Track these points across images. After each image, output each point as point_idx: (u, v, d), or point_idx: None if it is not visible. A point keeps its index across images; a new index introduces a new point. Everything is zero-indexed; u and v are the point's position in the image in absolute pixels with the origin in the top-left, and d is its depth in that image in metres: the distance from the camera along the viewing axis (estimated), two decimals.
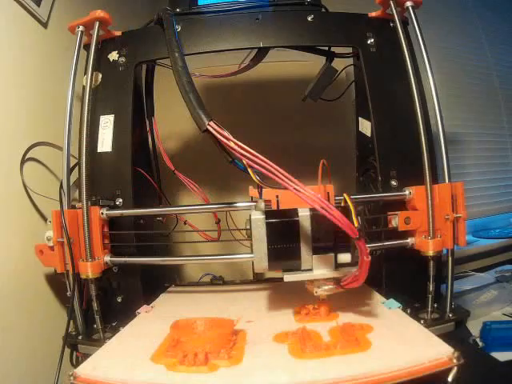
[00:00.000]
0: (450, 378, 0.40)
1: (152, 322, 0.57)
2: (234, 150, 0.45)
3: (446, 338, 0.45)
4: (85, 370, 0.43)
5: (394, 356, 0.41)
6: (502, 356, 0.67)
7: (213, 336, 0.45)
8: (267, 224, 0.47)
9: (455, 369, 0.40)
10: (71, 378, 0.42)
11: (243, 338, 0.48)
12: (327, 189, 0.51)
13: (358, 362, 0.41)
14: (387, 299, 0.58)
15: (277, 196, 0.50)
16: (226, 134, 0.46)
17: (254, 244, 0.48)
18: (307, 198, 0.41)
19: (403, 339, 0.45)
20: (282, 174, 0.42)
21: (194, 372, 0.41)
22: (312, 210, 0.47)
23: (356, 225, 0.42)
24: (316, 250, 0.47)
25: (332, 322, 0.52)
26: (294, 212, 0.48)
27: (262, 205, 0.49)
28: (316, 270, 0.48)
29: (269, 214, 0.48)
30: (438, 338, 0.44)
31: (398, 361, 0.40)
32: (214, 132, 0.47)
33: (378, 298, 0.61)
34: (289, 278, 0.49)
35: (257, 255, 0.48)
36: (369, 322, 0.50)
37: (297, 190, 0.41)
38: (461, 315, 0.58)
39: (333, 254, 0.48)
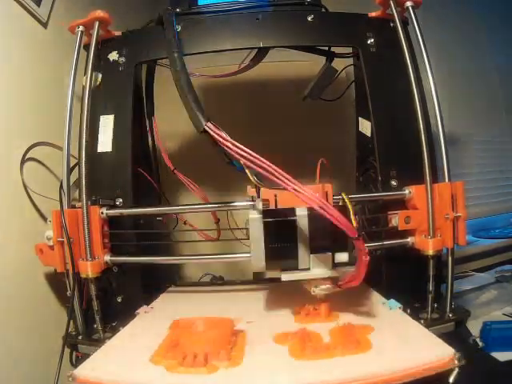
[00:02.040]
0: (451, 380, 0.40)
1: (151, 323, 0.57)
2: (231, 150, 0.45)
3: (446, 338, 0.45)
4: (84, 370, 0.43)
5: (395, 357, 0.41)
6: (502, 356, 0.67)
7: (212, 337, 0.45)
8: (264, 223, 0.47)
9: (456, 370, 0.40)
10: (70, 379, 0.42)
11: (243, 338, 0.48)
12: (326, 188, 0.51)
13: (359, 363, 0.40)
14: (387, 299, 0.58)
15: (275, 195, 0.50)
16: (223, 134, 0.46)
17: (252, 243, 0.48)
18: (306, 198, 0.41)
19: (404, 340, 0.45)
20: (280, 174, 0.42)
21: (193, 373, 0.40)
22: (309, 209, 0.47)
23: (354, 224, 0.42)
24: (313, 250, 0.47)
25: (332, 323, 0.51)
26: (292, 211, 0.48)
27: (259, 204, 0.49)
28: (313, 269, 0.48)
29: (266, 213, 0.48)
30: (439, 338, 0.44)
31: (398, 362, 0.40)
32: (211, 133, 0.47)
33: (378, 298, 0.61)
34: (286, 277, 0.49)
35: (254, 254, 0.48)
36: (369, 323, 0.50)
37: (295, 189, 0.42)
38: (461, 315, 0.58)
39: (330, 254, 0.48)
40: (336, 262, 0.48)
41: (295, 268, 0.48)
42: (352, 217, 0.43)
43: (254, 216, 0.48)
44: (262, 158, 0.43)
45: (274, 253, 0.48)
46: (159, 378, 0.40)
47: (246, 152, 0.44)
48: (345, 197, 0.46)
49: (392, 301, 0.57)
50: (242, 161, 0.44)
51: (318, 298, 0.52)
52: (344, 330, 0.48)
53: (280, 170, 0.42)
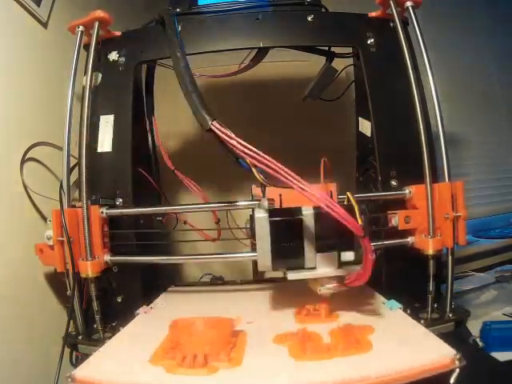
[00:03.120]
0: (451, 380, 0.40)
1: (151, 323, 0.57)
2: (237, 148, 0.45)
3: (446, 338, 0.45)
4: (83, 371, 0.42)
5: (395, 358, 0.41)
6: (501, 356, 0.66)
7: (212, 337, 0.45)
8: (271, 222, 0.47)
9: (457, 370, 0.40)
10: (69, 379, 0.41)
11: (243, 339, 0.48)
12: (330, 187, 0.51)
13: (359, 363, 0.40)
14: (387, 299, 0.58)
15: (280, 195, 0.50)
16: (229, 133, 0.46)
17: (258, 242, 0.48)
18: (312, 197, 0.41)
19: (404, 341, 0.45)
20: (286, 173, 0.42)
21: (193, 374, 0.40)
22: (316, 208, 0.47)
23: (360, 223, 0.42)
24: (319, 249, 0.47)
25: (332, 323, 0.51)
26: (298, 210, 0.48)
27: (265, 203, 0.49)
28: (320, 268, 0.48)
29: (272, 212, 0.48)
30: (440, 339, 0.44)
31: (399, 363, 0.39)
32: (217, 131, 0.47)
33: (378, 298, 0.61)
34: (292, 276, 0.49)
35: (260, 254, 0.48)
36: (370, 323, 0.50)
37: (302, 188, 0.42)
38: (461, 315, 0.58)
39: (336, 253, 0.48)
40: (342, 260, 0.48)
41: (301, 267, 0.48)
42: (357, 215, 0.43)
43: (260, 215, 0.48)
44: (268, 157, 0.43)
45: (281, 252, 0.48)
46: (158, 379, 0.40)
47: (251, 151, 0.44)
48: (350, 196, 0.46)
49: (392, 301, 0.57)
50: (248, 159, 0.44)
51: (323, 297, 0.52)
52: (344, 330, 0.48)
53: (286, 169, 0.42)
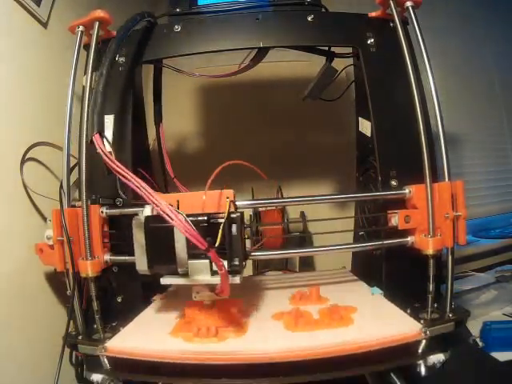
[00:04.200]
0: (419, 350, 0.50)
1: (168, 306, 0.65)
2: (107, 163, 0.48)
3: (446, 338, 0.45)
4: (113, 343, 0.51)
5: (372, 330, 0.50)
6: (501, 356, 0.67)
7: (222, 314, 0.52)
8: (145, 229, 0.48)
9: (424, 342, 0.49)
10: (102, 350, 0.50)
11: (247, 316, 0.57)
12: (226, 194, 0.52)
13: (341, 333, 0.50)
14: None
15: (177, 200, 0.52)
16: (104, 149, 0.50)
17: (135, 247, 0.49)
18: (160, 211, 0.43)
19: (381, 318, 0.54)
20: (143, 187, 0.44)
21: (206, 343, 0.49)
22: (189, 216, 0.47)
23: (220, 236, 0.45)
24: (191, 256, 0.47)
25: (322, 305, 0.60)
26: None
27: (147, 209, 0.50)
28: (193, 275, 0.48)
29: (148, 219, 0.49)
30: (410, 317, 0.53)
31: (374, 333, 0.49)
32: (96, 144, 0.51)
33: (364, 286, 0.69)
34: (165, 280, 0.50)
35: (137, 258, 0.49)
36: (353, 305, 0.59)
37: (153, 202, 0.43)
38: (461, 315, 0.58)
39: (208, 261, 0.47)
40: (215, 269, 0.47)
41: (175, 273, 0.49)
42: (220, 229, 0.45)
43: (136, 222, 0.49)
44: (130, 173, 0.46)
45: (155, 257, 0.49)
46: (177, 347, 0.49)
47: (118, 166, 0.47)
48: (227, 204, 0.48)
49: (375, 288, 0.65)
50: (117, 175, 0.47)
51: (204, 303, 0.53)
52: (331, 309, 0.56)
53: (143, 184, 0.45)
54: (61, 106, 0.64)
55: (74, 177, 0.65)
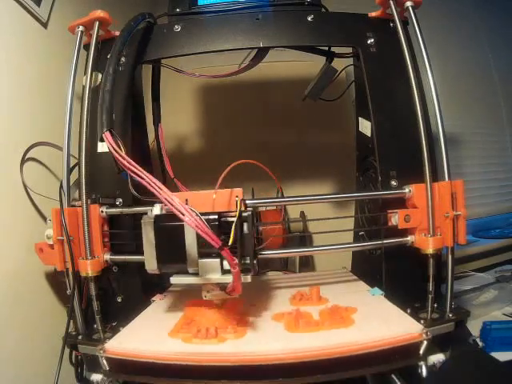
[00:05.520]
0: (421, 351, 0.49)
1: (167, 306, 0.64)
2: (119, 160, 0.47)
3: (446, 337, 0.45)
4: (112, 344, 0.51)
5: (372, 331, 0.49)
6: (502, 356, 0.67)
7: (222, 315, 0.52)
8: (155, 228, 0.48)
9: (425, 343, 0.49)
10: (101, 351, 0.49)
11: (247, 317, 0.56)
12: (236, 193, 0.52)
13: (342, 334, 0.49)
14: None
15: (186, 200, 0.51)
16: (115, 146, 0.49)
17: (145, 246, 0.49)
18: (173, 208, 0.42)
19: (382, 319, 0.53)
20: (156, 185, 0.44)
21: (205, 344, 0.49)
22: (204, 214, 0.47)
23: (232, 235, 0.44)
24: (202, 255, 0.47)
25: (322, 306, 0.60)
26: None
27: (157, 208, 0.49)
28: (203, 274, 0.48)
29: (158, 218, 0.48)
30: (412, 318, 0.53)
31: (375, 334, 0.48)
32: (107, 141, 0.49)
33: (364, 286, 0.69)
34: (175, 280, 0.50)
35: (147, 257, 0.49)
36: (354, 305, 0.58)
37: (167, 200, 0.42)
38: (461, 315, 0.58)
39: (218, 260, 0.47)
40: (225, 268, 0.47)
41: (185, 272, 0.49)
42: (233, 227, 0.45)
43: (146, 220, 0.49)
44: (142, 170, 0.45)
45: (165, 256, 0.48)
46: (176, 348, 0.48)
47: (131, 164, 0.46)
48: (239, 203, 0.47)
49: (375, 289, 0.64)
50: (128, 172, 0.47)
51: (214, 302, 0.53)
52: (332, 310, 0.56)
53: (156, 180, 0.44)
54: (61, 105, 0.64)
55: (74, 177, 0.65)
